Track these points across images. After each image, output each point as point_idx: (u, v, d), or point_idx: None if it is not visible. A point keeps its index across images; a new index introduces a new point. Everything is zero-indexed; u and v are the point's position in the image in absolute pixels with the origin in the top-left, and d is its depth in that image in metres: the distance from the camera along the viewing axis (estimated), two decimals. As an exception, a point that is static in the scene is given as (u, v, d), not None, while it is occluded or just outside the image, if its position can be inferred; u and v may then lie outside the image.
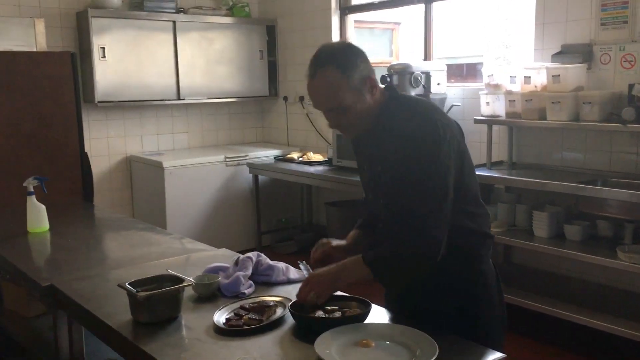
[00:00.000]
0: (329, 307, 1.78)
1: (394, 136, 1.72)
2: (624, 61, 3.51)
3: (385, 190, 1.79)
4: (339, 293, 1.86)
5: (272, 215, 5.58)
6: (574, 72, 3.53)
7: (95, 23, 4.84)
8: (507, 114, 3.79)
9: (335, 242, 2.00)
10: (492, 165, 3.94)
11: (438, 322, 1.70)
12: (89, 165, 4.32)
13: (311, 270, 1.95)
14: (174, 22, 5.23)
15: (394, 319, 1.79)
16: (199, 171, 5.15)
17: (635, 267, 3.10)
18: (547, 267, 3.99)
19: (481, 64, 4.47)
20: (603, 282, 3.71)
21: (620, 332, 3.15)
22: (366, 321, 1.72)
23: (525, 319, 3.72)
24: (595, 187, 3.31)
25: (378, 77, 4.23)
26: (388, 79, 4.13)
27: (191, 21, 5.36)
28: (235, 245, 5.28)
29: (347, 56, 1.71)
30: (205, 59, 5.47)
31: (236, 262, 2.12)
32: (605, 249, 3.32)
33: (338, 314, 1.74)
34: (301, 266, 2.03)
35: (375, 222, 1.94)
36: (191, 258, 2.46)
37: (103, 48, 4.90)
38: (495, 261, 4.29)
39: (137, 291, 1.77)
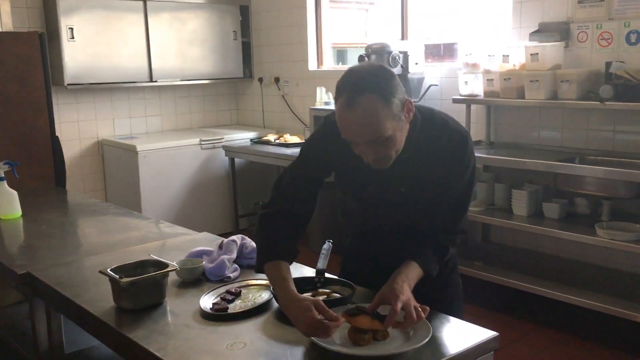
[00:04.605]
0: (310, 291, 1.75)
1: (432, 157, 1.68)
2: (601, 39, 3.53)
3: (409, 207, 1.79)
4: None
5: (249, 198, 5.51)
6: (551, 51, 3.54)
7: (62, 3, 4.68)
8: (486, 93, 3.79)
9: (309, 298, 1.60)
10: (471, 144, 3.94)
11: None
12: (61, 150, 4.20)
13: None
14: (145, 1, 5.09)
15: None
16: (173, 155, 5.06)
17: (613, 244, 3.14)
18: (525, 245, 4.02)
19: (458, 43, 4.46)
20: (581, 259, 3.76)
21: (597, 307, 3.20)
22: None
23: (504, 297, 3.76)
24: (575, 165, 3.33)
25: (355, 58, 4.20)
26: (366, 59, 4.09)
27: (162, 1, 5.22)
28: (212, 229, 5.19)
29: (385, 80, 1.54)
30: (177, 40, 5.34)
31: (220, 246, 2.08)
32: (584, 226, 3.36)
33: (323, 297, 1.72)
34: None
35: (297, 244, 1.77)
36: (172, 242, 2.40)
37: (71, 29, 4.75)
38: (474, 240, 4.33)
39: (120, 277, 1.71)
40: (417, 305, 1.53)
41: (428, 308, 1.54)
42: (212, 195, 5.33)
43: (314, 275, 1.85)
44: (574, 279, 3.51)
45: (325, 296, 1.73)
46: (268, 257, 1.70)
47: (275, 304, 1.71)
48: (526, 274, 3.60)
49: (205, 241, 2.35)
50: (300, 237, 1.79)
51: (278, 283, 1.63)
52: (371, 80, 1.52)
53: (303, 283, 1.79)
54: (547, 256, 3.88)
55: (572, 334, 3.40)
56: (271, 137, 5.21)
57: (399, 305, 1.49)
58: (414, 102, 1.69)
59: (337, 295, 1.74)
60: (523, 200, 3.57)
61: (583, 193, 3.46)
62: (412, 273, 1.65)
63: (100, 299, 1.81)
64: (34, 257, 2.30)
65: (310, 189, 1.80)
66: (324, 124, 1.79)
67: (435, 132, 1.69)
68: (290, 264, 1.72)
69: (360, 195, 1.84)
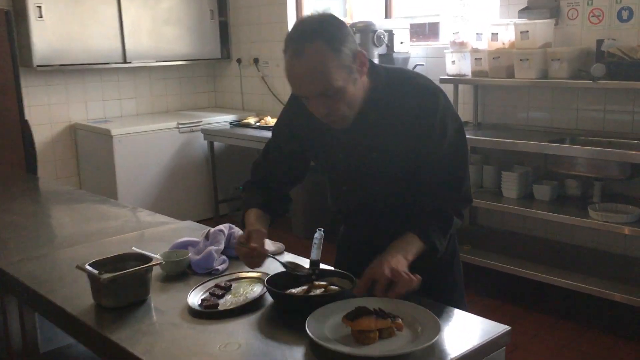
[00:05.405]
0: (305, 284, 1.63)
1: (403, 121, 1.57)
2: (592, 16, 3.44)
3: (387, 176, 1.65)
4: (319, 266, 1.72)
5: (229, 182, 5.36)
6: (542, 28, 3.44)
7: (29, -21, 4.45)
8: (474, 73, 3.69)
9: (258, 230, 1.65)
10: (458, 126, 3.84)
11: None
12: (31, 135, 4.01)
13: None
14: (117, -22, 4.88)
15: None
16: (150, 139, 4.88)
17: (607, 226, 3.07)
18: (514, 227, 3.96)
19: (440, 23, 4.34)
20: (571, 241, 3.70)
21: (588, 289, 3.15)
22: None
23: (493, 281, 3.69)
24: (567, 146, 3.27)
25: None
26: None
27: (135, -22, 5.01)
28: (192, 215, 5.08)
29: (335, 29, 1.47)
30: (152, 19, 5.14)
31: (206, 236, 1.94)
32: (575, 208, 3.30)
33: (320, 290, 1.61)
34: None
35: (280, 203, 1.83)
36: (153, 232, 2.26)
37: (39, 7, 4.52)
38: (462, 223, 4.27)
39: (100, 273, 1.57)
40: (408, 272, 1.46)
41: (420, 277, 1.47)
42: (191, 180, 5.18)
43: (307, 267, 1.73)
44: (564, 261, 3.46)
45: (323, 289, 1.62)
46: (245, 209, 1.76)
47: (269, 299, 1.59)
48: (516, 257, 3.54)
49: (189, 230, 2.21)
50: (280, 204, 1.82)
51: (247, 225, 1.68)
52: (319, 29, 1.46)
53: (298, 276, 1.67)
54: (537, 239, 3.83)
55: (563, 317, 3.35)
56: (251, 120, 5.06)
57: (387, 271, 1.44)
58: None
59: (335, 287, 1.63)
60: (513, 183, 3.50)
61: (574, 174, 3.40)
62: (409, 245, 1.55)
63: (78, 296, 1.67)
64: (4, 250, 2.13)
65: (286, 165, 1.80)
66: (290, 97, 1.75)
67: (403, 90, 1.58)
68: (271, 218, 1.76)
69: (333, 166, 1.75)
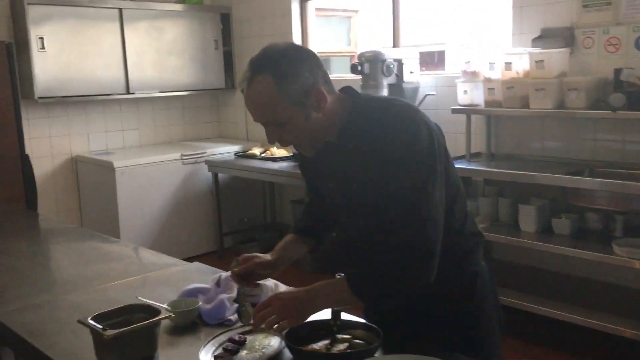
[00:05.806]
0: (326, 337, 1.50)
1: (371, 149, 1.46)
2: (608, 45, 3.35)
3: (365, 209, 1.55)
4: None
5: (234, 215, 5.24)
6: (557, 57, 3.35)
7: (32, 11, 4.38)
8: (487, 103, 3.58)
9: (259, 258, 1.70)
10: (471, 157, 3.74)
11: (432, 335, 1.60)
12: (31, 170, 3.90)
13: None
14: (120, 9, 4.81)
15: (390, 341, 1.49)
16: (153, 171, 4.77)
17: (632, 262, 2.94)
18: (530, 262, 3.81)
19: (446, 51, 4.28)
20: (591, 277, 3.56)
21: (615, 330, 3.00)
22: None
23: (510, 319, 3.53)
24: (589, 179, 3.13)
25: (339, 67, 3.98)
26: (359, 68, 3.87)
27: (139, 9, 4.95)
28: (196, 249, 4.97)
29: (288, 63, 1.45)
30: (155, 50, 5.07)
31: (217, 282, 1.81)
32: (597, 242, 3.16)
33: (344, 345, 1.47)
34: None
35: (321, 230, 1.84)
36: (159, 276, 2.13)
37: (42, 38, 4.45)
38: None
39: (103, 328, 1.44)
40: (281, 314, 1.45)
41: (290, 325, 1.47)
42: (194, 212, 5.05)
43: (329, 317, 1.59)
44: (589, 299, 3.30)
45: (347, 343, 1.48)
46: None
47: (288, 354, 1.46)
48: (533, 293, 3.39)
49: (198, 273, 2.08)
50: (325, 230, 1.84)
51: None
52: (271, 62, 1.46)
53: (318, 327, 1.53)
54: (554, 274, 3.68)
55: (584, 356, 3.19)
56: (256, 151, 4.95)
57: (270, 300, 1.49)
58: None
59: (359, 341, 1.49)
60: (531, 216, 3.37)
61: (594, 207, 3.27)
62: (332, 290, 1.48)
63: (79, 351, 1.54)
64: (0, 298, 2.00)
65: (320, 202, 1.79)
66: None
67: (381, 120, 1.49)
68: (316, 241, 1.82)
69: (329, 197, 1.70)
